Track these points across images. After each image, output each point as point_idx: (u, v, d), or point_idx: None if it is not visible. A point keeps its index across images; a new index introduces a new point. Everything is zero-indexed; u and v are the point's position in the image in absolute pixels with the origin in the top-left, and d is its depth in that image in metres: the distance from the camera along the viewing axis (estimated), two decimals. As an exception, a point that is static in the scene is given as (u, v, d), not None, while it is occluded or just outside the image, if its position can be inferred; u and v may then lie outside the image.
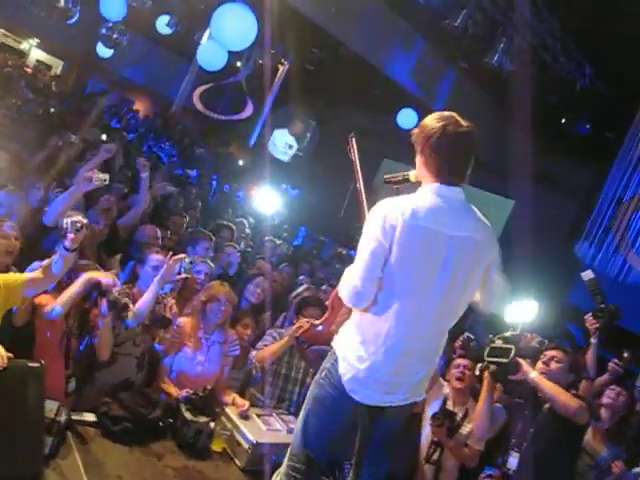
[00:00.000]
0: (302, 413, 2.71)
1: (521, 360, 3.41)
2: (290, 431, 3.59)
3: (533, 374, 3.39)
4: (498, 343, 3.50)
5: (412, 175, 2.69)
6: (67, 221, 3.07)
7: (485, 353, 3.53)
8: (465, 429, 3.94)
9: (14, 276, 3.15)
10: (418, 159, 2.53)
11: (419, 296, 2.45)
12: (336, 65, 10.55)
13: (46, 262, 3.18)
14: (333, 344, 2.64)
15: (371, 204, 2.54)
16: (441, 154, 2.43)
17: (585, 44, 7.70)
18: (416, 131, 2.51)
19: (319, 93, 11.55)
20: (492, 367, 3.47)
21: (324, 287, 5.35)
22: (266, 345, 4.15)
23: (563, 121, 9.36)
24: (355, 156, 3.06)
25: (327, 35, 8.69)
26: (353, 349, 2.52)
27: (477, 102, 9.59)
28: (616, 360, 4.60)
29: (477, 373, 3.69)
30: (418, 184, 2.62)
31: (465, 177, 2.50)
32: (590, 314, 4.20)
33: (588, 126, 9.29)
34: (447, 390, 4.07)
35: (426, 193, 2.47)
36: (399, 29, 8.97)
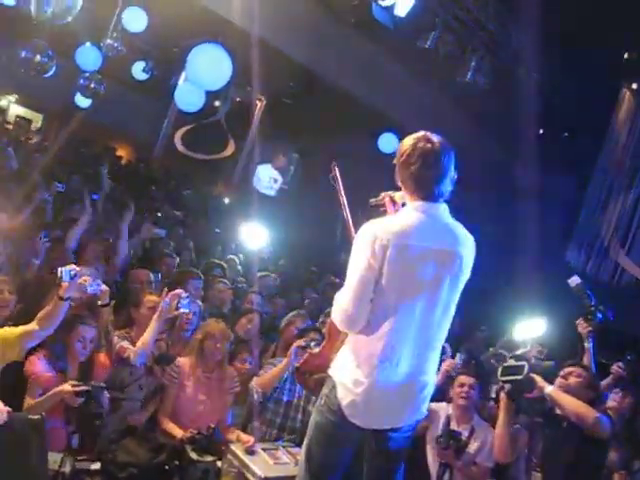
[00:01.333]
0: (305, 442, 2.68)
1: (535, 376, 3.36)
2: (298, 463, 3.56)
3: (549, 389, 3.32)
4: (510, 362, 3.50)
5: (397, 196, 2.74)
6: (60, 270, 3.11)
7: (498, 373, 3.50)
8: (472, 447, 3.91)
9: (9, 330, 3.16)
10: (399, 180, 2.57)
11: (409, 313, 2.46)
12: (313, 96, 10.69)
13: (41, 314, 3.19)
14: (330, 371, 2.62)
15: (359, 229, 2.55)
16: (415, 171, 2.47)
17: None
18: (397, 152, 2.56)
19: (299, 125, 11.68)
20: (507, 386, 3.43)
21: (321, 318, 5.37)
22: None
23: (541, 132, 9.51)
24: (339, 183, 3.10)
25: (300, 67, 8.84)
26: (349, 373, 2.51)
27: (457, 120, 9.73)
28: (619, 363, 4.60)
29: (493, 396, 3.65)
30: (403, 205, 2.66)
31: (444, 192, 2.51)
32: (581, 318, 4.14)
33: (566, 134, 9.45)
34: (450, 410, 4.05)
35: (410, 212, 2.51)
36: (370, 54, 9.13)
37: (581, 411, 3.24)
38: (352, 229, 2.92)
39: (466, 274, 2.56)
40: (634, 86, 7.17)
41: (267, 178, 12.73)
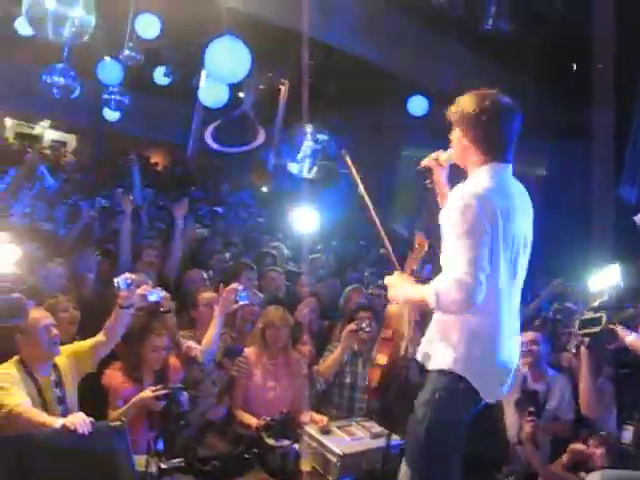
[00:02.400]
0: (419, 441, 2.45)
1: (616, 326, 3.21)
2: (374, 436, 3.60)
3: (631, 337, 3.15)
4: (588, 314, 3.38)
5: (443, 158, 2.69)
6: (117, 280, 3.21)
7: (576, 327, 3.41)
8: (552, 403, 3.88)
9: (79, 345, 3.30)
10: (465, 139, 2.44)
11: (510, 279, 2.42)
12: (334, 71, 10.60)
13: (106, 324, 3.31)
14: (435, 366, 2.46)
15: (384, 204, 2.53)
16: (496, 129, 2.39)
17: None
18: (463, 109, 2.42)
19: (325, 102, 11.60)
20: (587, 340, 3.33)
21: (371, 288, 5.39)
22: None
23: (575, 68, 9.19)
24: (351, 168, 3.13)
25: (317, 43, 8.74)
26: (478, 360, 2.39)
27: (484, 73, 9.47)
28: None
29: (573, 351, 3.56)
30: (453, 166, 2.63)
31: (512, 155, 2.46)
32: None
33: (600, 66, 9.07)
34: (524, 369, 4.00)
35: (489, 175, 2.39)
36: (386, 19, 8.95)
37: None
38: (372, 210, 3.01)
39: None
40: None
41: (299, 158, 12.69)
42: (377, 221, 3.08)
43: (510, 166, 2.46)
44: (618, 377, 3.54)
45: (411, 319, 2.68)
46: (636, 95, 8.46)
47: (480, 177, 2.40)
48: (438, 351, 2.46)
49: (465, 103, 2.42)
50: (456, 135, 2.50)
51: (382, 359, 2.66)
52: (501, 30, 6.95)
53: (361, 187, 3.09)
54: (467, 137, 2.43)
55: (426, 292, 2.33)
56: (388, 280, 2.61)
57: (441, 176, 2.75)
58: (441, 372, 2.43)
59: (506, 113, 2.39)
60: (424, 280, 2.51)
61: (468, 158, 2.47)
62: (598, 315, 3.27)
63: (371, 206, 3.08)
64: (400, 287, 2.54)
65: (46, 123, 17.41)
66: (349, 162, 3.18)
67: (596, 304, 3.42)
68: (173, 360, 3.69)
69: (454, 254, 2.28)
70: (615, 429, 3.37)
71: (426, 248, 2.74)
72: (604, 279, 3.74)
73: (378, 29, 8.92)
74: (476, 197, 2.29)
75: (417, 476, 2.47)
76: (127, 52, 8.42)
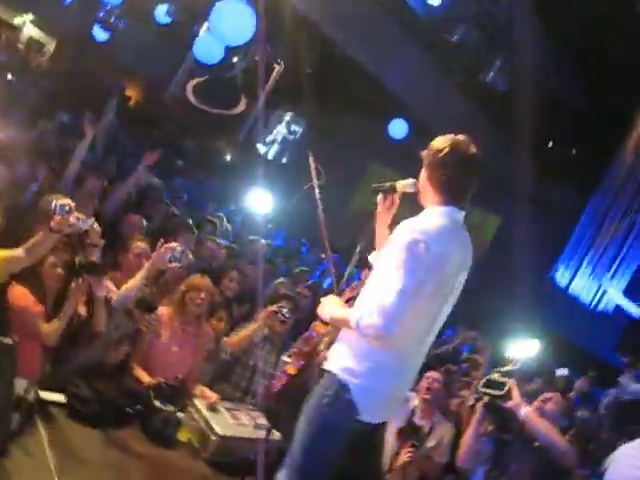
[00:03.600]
0: (296, 441, 2.51)
1: (515, 392, 3.34)
2: (257, 426, 3.63)
3: (525, 409, 3.31)
4: (495, 376, 3.48)
5: (399, 185, 2.76)
6: (55, 203, 3.09)
7: (480, 384, 3.51)
8: (430, 442, 4.01)
9: (-5, 252, 3.15)
10: (425, 176, 2.55)
11: (428, 320, 2.49)
12: (331, 69, 10.60)
13: (30, 242, 3.19)
14: (334, 369, 2.49)
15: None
16: (453, 174, 2.46)
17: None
18: (429, 148, 2.53)
19: (311, 96, 11.59)
20: (485, 399, 3.43)
21: (300, 287, 5.45)
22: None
23: (551, 144, 9.52)
24: (313, 171, 3.15)
25: (324, 37, 8.74)
26: (360, 369, 2.43)
27: (470, 117, 9.70)
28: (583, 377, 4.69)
29: (471, 403, 3.68)
30: (407, 195, 2.69)
31: (467, 202, 2.55)
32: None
33: (574, 151, 9.45)
34: (416, 402, 4.13)
35: (441, 216, 2.47)
36: (397, 38, 9.04)
37: (553, 439, 3.28)
38: (322, 218, 3.01)
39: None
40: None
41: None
42: (323, 229, 3.08)
43: (463, 213, 2.54)
44: (500, 441, 3.72)
45: (332, 341, 2.71)
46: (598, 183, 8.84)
47: (431, 216, 2.48)
48: (336, 354, 2.52)
49: (433, 144, 2.52)
50: (422, 173, 2.58)
51: (292, 369, 2.69)
52: (497, 87, 7.15)
53: (317, 192, 3.10)
54: (428, 176, 2.53)
55: (350, 313, 2.41)
56: (323, 299, 2.68)
57: (391, 205, 2.81)
58: (331, 375, 2.48)
59: (466, 162, 2.47)
60: None
61: (426, 197, 2.56)
62: (504, 380, 3.39)
63: (322, 214, 3.07)
64: (328, 306, 2.60)
65: (28, 17, 16.61)
66: (312, 164, 3.19)
67: (506, 369, 3.57)
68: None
69: (386, 282, 2.33)
70: None
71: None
72: (523, 349, 3.92)
73: (384, 43, 8.99)
74: (424, 234, 2.35)
75: (288, 471, 2.52)
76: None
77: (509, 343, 3.84)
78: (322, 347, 2.69)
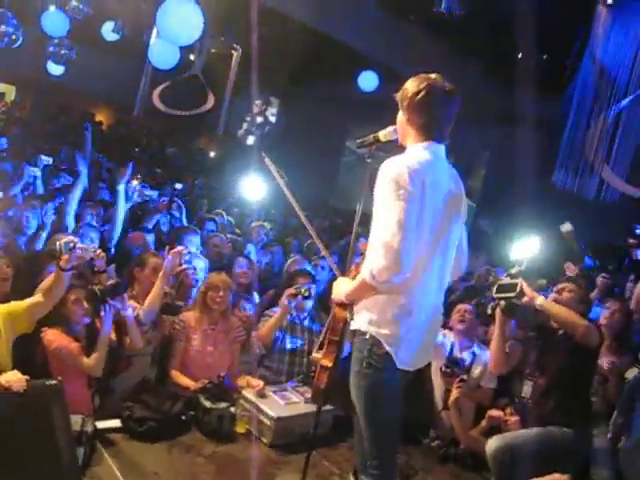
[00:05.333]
0: (361, 412, 2.54)
1: (526, 287, 3.42)
2: (307, 401, 3.73)
3: (539, 299, 3.39)
4: (504, 280, 3.59)
5: (381, 135, 2.78)
6: (59, 243, 3.19)
7: (493, 290, 3.60)
8: (475, 372, 4.11)
9: (16, 304, 3.24)
10: (404, 119, 2.56)
11: (438, 256, 2.48)
12: (287, 40, 10.51)
13: (44, 285, 3.28)
14: (362, 327, 2.49)
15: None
16: (432, 111, 2.48)
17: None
18: (404, 91, 2.53)
19: (276, 71, 11.52)
20: (502, 303, 3.53)
21: (313, 258, 5.52)
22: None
23: (519, 56, 9.41)
24: (271, 168, 3.28)
25: (271, 11, 8.65)
26: (388, 322, 2.43)
27: (432, 52, 9.61)
28: (604, 274, 4.73)
29: (489, 312, 3.76)
30: (391, 143, 2.69)
31: (447, 136, 2.56)
32: (569, 262, 3.97)
33: (545, 56, 9.35)
34: (452, 338, 4.22)
35: (422, 151, 2.48)
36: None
37: (572, 319, 3.35)
38: (296, 206, 3.15)
39: (464, 216, 2.63)
40: (609, 2, 7.04)
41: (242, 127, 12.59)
42: (302, 215, 3.20)
43: (443, 147, 2.55)
44: (525, 339, 3.82)
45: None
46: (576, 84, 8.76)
47: (413, 152, 2.49)
48: (359, 313, 2.53)
49: (407, 85, 2.53)
50: (399, 116, 2.61)
51: (328, 361, 2.70)
52: (453, 14, 7.07)
53: (283, 186, 3.21)
54: (406, 117, 2.54)
55: (362, 274, 2.40)
56: (333, 285, 2.68)
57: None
58: (360, 333, 2.49)
59: (442, 97, 2.48)
60: None
61: (406, 137, 2.58)
62: (514, 281, 3.48)
63: (295, 203, 3.18)
64: (339, 287, 2.61)
65: (-17, 71, 16.54)
66: (268, 163, 3.30)
67: (514, 271, 3.65)
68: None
69: (383, 222, 2.31)
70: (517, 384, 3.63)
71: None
72: (525, 248, 3.99)
73: (334, 3, 8.90)
74: (407, 166, 2.36)
75: (367, 442, 2.55)
76: (74, 3, 8.10)
77: (512, 245, 3.89)
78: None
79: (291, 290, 4.24)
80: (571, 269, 4.59)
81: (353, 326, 2.55)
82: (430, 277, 2.49)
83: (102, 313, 3.44)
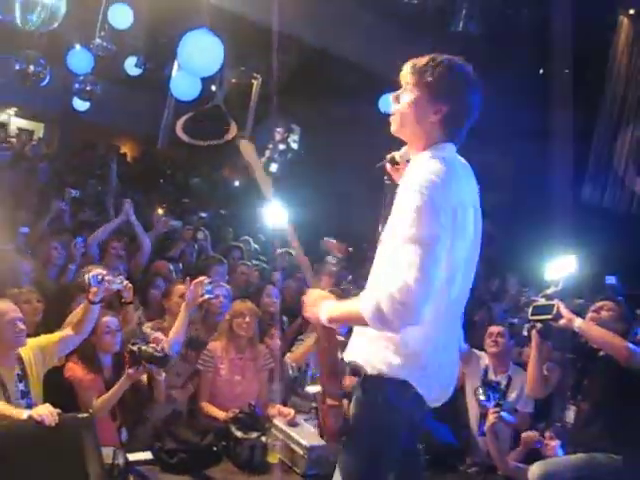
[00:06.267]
0: (353, 459, 2.18)
1: (563, 308, 3.30)
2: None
3: (578, 322, 3.24)
4: (540, 301, 3.49)
5: (398, 156, 2.60)
6: (88, 276, 3.21)
7: (529, 313, 3.51)
8: (511, 395, 4.00)
9: (46, 338, 3.28)
10: (420, 99, 2.00)
11: (459, 287, 2.04)
12: (306, 66, 10.63)
13: (72, 317, 3.30)
14: (372, 371, 2.01)
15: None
16: (457, 101, 2.00)
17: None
18: (419, 67, 2.02)
19: (297, 97, 11.62)
20: (538, 325, 3.45)
21: (343, 283, 5.47)
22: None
23: (541, 71, 9.36)
24: (247, 157, 3.16)
25: (288, 38, 8.75)
26: (405, 355, 1.98)
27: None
28: None
29: (525, 334, 3.67)
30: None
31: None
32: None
33: (567, 70, 9.27)
34: (486, 361, 4.12)
35: (445, 159, 1.95)
36: (355, 16, 9.02)
37: (613, 343, 3.20)
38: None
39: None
40: (631, 12, 7.00)
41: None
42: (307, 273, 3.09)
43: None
44: (564, 361, 3.67)
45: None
46: (601, 97, 8.67)
47: (438, 163, 1.94)
48: (366, 351, 2.06)
49: (417, 63, 2.05)
50: (404, 97, 2.07)
51: (334, 400, 2.32)
52: (470, 32, 7.07)
53: (259, 176, 3.12)
54: (420, 109, 2.02)
55: (359, 304, 1.89)
56: (306, 298, 2.17)
57: (396, 175, 2.39)
58: (373, 377, 2.03)
59: (471, 80, 2.05)
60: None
61: (417, 125, 2.05)
62: (550, 303, 3.38)
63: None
64: (322, 305, 2.06)
65: (12, 110, 17.01)
66: (244, 148, 3.24)
67: (550, 291, 3.55)
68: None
69: (403, 256, 1.83)
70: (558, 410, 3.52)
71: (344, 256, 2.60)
72: (560, 268, 3.88)
73: (353, 27, 8.98)
74: (435, 188, 1.87)
75: None
76: (98, 41, 8.31)
77: (546, 265, 3.79)
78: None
79: None
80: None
81: (367, 371, 2.03)
82: (455, 300, 2.07)
83: (131, 370, 3.31)
